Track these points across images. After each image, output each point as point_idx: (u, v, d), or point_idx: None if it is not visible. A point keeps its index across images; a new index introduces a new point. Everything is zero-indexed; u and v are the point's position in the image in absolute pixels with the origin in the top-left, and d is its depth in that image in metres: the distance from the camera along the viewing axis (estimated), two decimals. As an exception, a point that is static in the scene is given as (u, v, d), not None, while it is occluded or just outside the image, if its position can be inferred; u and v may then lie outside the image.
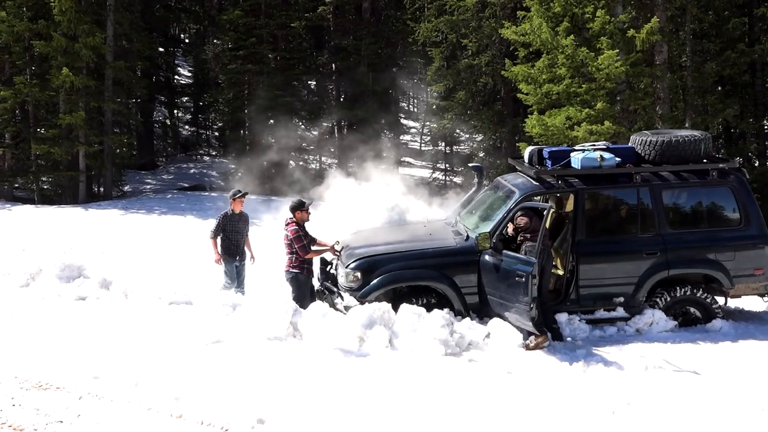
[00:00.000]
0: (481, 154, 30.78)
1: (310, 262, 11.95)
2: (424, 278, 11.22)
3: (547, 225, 11.07)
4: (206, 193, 29.83)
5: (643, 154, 11.91)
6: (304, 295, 11.72)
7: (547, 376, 9.48)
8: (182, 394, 8.39)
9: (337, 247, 11.97)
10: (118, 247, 18.76)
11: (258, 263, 13.24)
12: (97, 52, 27.46)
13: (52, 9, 26.40)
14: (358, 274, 11.19)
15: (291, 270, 11.80)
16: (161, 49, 40.17)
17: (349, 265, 11.35)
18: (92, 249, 17.99)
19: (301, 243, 11.69)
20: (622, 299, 11.36)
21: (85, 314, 11.47)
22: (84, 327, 10.76)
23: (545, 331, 10.48)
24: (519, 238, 11.14)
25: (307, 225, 11.95)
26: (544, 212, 10.74)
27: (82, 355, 9.54)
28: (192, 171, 36.29)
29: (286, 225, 11.90)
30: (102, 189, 30.24)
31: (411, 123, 44.47)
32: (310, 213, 11.99)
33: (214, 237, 12.70)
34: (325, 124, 33.41)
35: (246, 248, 12.96)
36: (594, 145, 12.07)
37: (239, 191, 12.92)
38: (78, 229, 21.43)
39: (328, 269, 12.36)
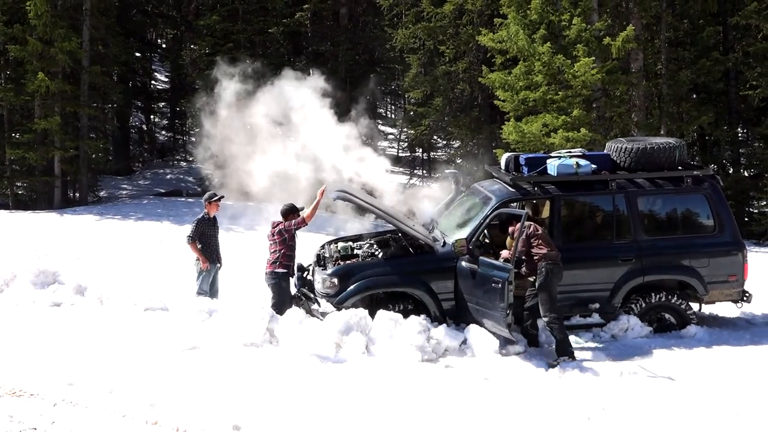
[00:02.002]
0: (458, 161, 30.88)
1: (293, 259, 11.92)
2: (400, 284, 11.24)
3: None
4: (182, 199, 29.69)
5: (618, 161, 12.01)
6: (283, 300, 11.67)
7: (523, 382, 9.53)
8: (158, 400, 8.35)
9: (330, 195, 11.70)
10: (94, 252, 18.64)
11: (233, 269, 13.17)
12: (72, 56, 27.28)
13: (28, 13, 26.20)
14: (335, 281, 11.19)
15: (275, 271, 11.70)
16: (138, 54, 39.98)
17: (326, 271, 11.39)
18: (67, 255, 17.87)
19: (295, 221, 11.72)
20: (597, 305, 11.43)
21: (59, 320, 11.37)
22: (59, 333, 10.68)
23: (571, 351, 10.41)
24: (533, 245, 10.70)
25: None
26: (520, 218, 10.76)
27: (57, 361, 9.46)
28: (168, 176, 36.13)
29: (275, 225, 11.86)
30: (77, 194, 30.02)
31: (388, 129, 44.50)
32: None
33: (195, 241, 12.39)
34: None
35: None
36: (570, 152, 12.16)
37: (215, 194, 12.82)
38: (53, 234, 21.27)
39: (305, 275, 12.34)
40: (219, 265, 12.69)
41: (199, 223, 12.48)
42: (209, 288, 12.50)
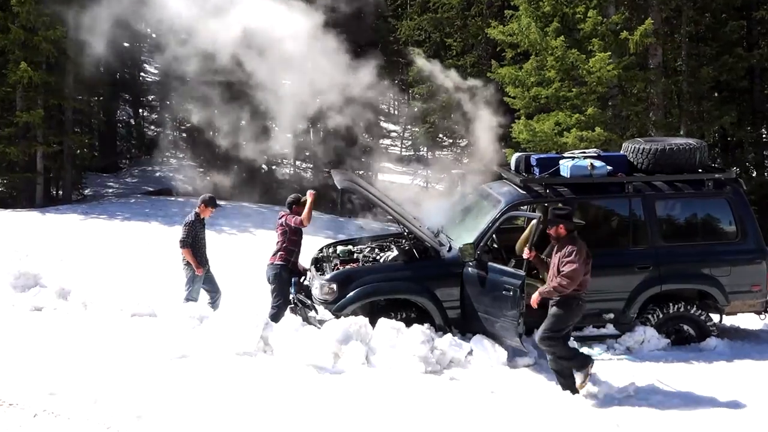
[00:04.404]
0: (465, 160, 30.88)
1: (296, 256, 12.11)
2: (403, 291, 11.22)
3: (534, 237, 11.09)
4: (172, 198, 29.66)
5: (635, 163, 12.00)
6: (283, 290, 11.89)
7: (532, 396, 9.52)
8: (145, 412, 8.33)
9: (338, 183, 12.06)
10: (78, 254, 18.65)
11: (226, 273, 13.16)
12: (57, 46, 27.28)
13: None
14: (334, 286, 11.17)
15: (275, 263, 11.97)
16: (126, 45, 39.98)
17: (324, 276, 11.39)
18: (50, 256, 17.85)
19: (294, 219, 11.99)
20: (612, 315, 11.41)
21: (41, 326, 11.37)
22: (40, 339, 10.66)
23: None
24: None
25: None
26: (532, 222, 10.75)
27: (38, 369, 9.45)
28: (157, 174, 36.07)
29: (280, 217, 12.21)
30: (61, 192, 30.02)
31: (391, 126, 44.49)
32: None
33: (189, 246, 12.40)
34: (300, 126, 33.35)
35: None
36: (584, 153, 12.16)
37: (214, 199, 12.81)
38: (34, 234, 21.26)
39: (302, 281, 12.34)
40: (207, 266, 12.71)
41: (192, 227, 12.46)
42: (211, 288, 12.58)
